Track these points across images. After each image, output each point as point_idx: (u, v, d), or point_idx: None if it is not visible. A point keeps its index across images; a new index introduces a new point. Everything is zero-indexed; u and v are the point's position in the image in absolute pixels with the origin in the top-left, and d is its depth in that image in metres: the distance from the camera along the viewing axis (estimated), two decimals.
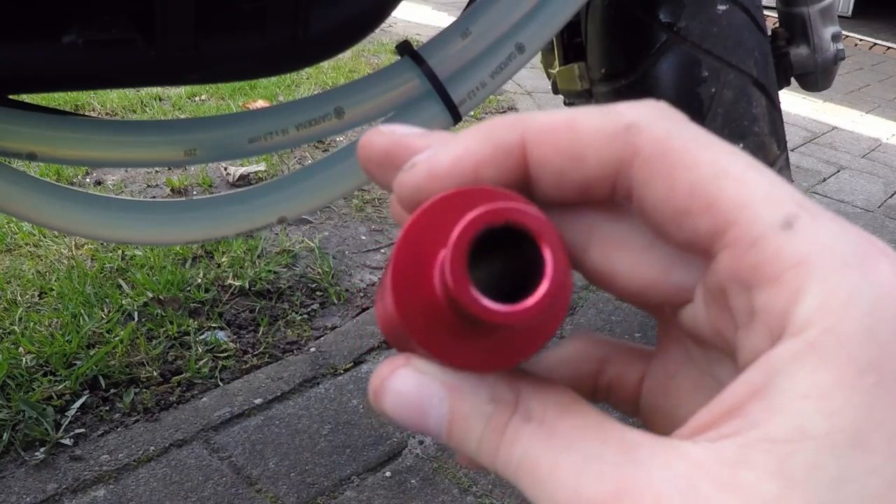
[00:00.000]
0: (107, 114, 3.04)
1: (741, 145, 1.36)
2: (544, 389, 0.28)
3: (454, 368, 0.28)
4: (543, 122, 0.28)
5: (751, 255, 0.24)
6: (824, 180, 3.04)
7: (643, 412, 0.35)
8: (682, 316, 0.30)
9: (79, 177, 2.50)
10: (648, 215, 0.27)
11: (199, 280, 1.94)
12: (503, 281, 0.28)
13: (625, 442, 0.25)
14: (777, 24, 1.74)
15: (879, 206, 2.84)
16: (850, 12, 6.91)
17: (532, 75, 3.80)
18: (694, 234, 0.26)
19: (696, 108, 1.35)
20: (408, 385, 0.28)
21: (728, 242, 0.25)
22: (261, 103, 3.17)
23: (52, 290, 1.86)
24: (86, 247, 2.06)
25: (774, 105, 1.41)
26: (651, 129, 0.27)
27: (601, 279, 0.31)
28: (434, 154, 0.29)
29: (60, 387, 1.57)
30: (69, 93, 3.01)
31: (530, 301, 0.25)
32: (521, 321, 0.25)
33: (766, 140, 1.39)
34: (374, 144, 0.30)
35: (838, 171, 3.16)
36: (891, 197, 2.95)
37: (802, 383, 0.23)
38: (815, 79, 1.73)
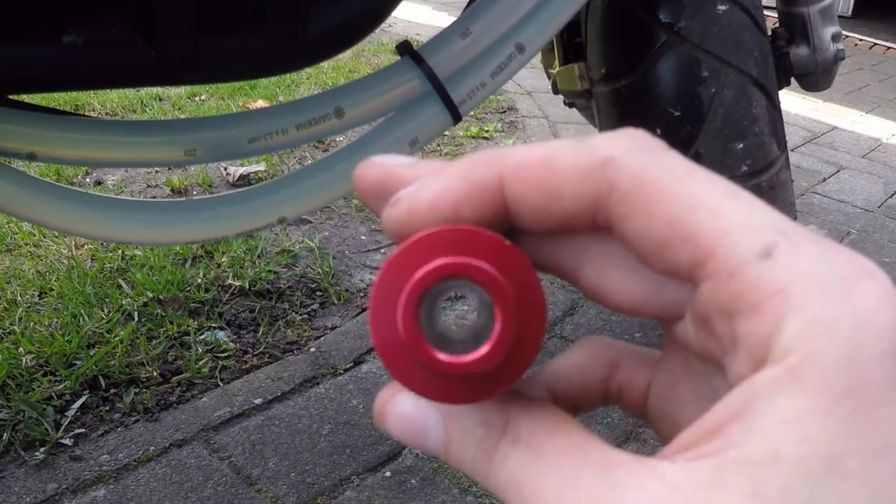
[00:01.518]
0: (107, 114, 3.04)
1: (741, 145, 1.36)
2: (534, 411, 0.29)
3: (430, 401, 0.29)
4: (520, 159, 0.28)
5: (731, 286, 0.25)
6: (824, 180, 3.04)
7: (651, 417, 0.35)
8: (676, 330, 0.30)
9: (79, 177, 2.50)
10: (630, 246, 0.28)
11: (199, 280, 1.94)
12: (483, 309, 0.30)
13: (605, 462, 0.26)
14: (777, 24, 1.74)
15: (879, 206, 2.83)
16: (850, 12, 6.91)
17: (532, 75, 3.80)
18: (675, 264, 0.27)
19: (696, 108, 1.35)
20: (407, 408, 0.30)
21: (708, 273, 0.25)
22: (261, 103, 3.17)
23: (52, 290, 1.86)
24: (86, 247, 2.06)
25: (774, 105, 1.41)
26: (627, 162, 0.27)
27: (596, 296, 0.32)
28: (416, 191, 0.29)
29: (60, 387, 1.57)
30: (69, 93, 3.01)
31: (476, 355, 0.27)
32: (468, 373, 0.27)
33: (766, 140, 1.39)
34: (367, 176, 0.31)
35: (838, 171, 3.16)
36: (891, 197, 2.95)
37: (780, 408, 0.23)
38: (816, 79, 1.73)
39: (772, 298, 0.24)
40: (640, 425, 1.59)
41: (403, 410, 0.30)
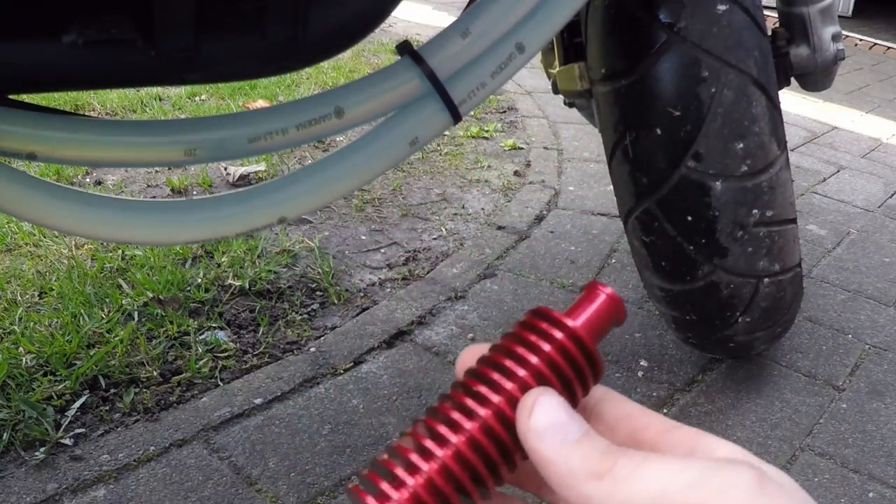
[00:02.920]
0: (107, 114, 3.04)
1: (741, 145, 1.36)
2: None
3: None
4: None
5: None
6: (824, 180, 3.04)
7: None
8: None
9: (79, 177, 2.51)
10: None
11: (199, 280, 1.94)
12: None
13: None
14: (777, 24, 1.74)
15: (879, 206, 2.83)
16: (850, 12, 6.91)
17: (532, 75, 3.80)
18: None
19: (695, 107, 1.35)
20: (559, 409, 0.41)
21: None
22: (261, 103, 3.17)
23: (52, 289, 1.86)
24: (86, 247, 2.06)
25: (774, 105, 1.41)
26: None
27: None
28: None
29: (60, 387, 1.57)
30: (69, 93, 3.01)
31: None
32: None
33: (765, 140, 1.39)
34: None
35: (838, 171, 3.16)
36: (891, 197, 2.95)
37: None
38: (815, 79, 1.73)
39: None
40: None
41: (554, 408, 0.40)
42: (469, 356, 0.46)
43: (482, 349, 0.45)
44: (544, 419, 0.39)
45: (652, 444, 0.42)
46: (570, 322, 0.42)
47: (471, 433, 0.40)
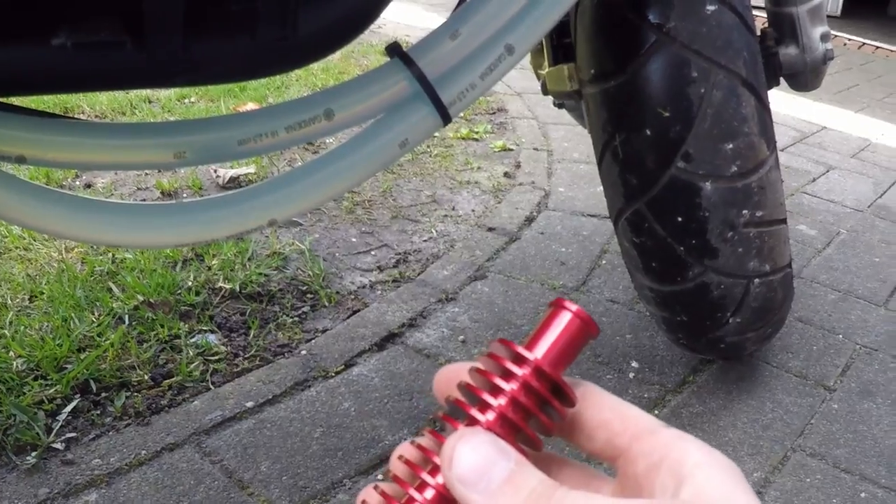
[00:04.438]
0: (96, 116, 3.03)
1: (731, 146, 1.36)
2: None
3: None
4: None
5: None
6: (814, 180, 3.05)
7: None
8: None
9: (68, 180, 2.50)
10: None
11: (190, 283, 1.93)
12: None
13: None
14: (766, 24, 1.74)
15: (869, 206, 2.84)
16: (839, 12, 6.93)
17: (522, 76, 3.80)
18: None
19: (685, 108, 1.35)
20: (484, 446, 0.41)
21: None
22: (251, 106, 3.17)
23: (43, 293, 1.86)
24: (76, 250, 2.05)
25: (764, 105, 1.41)
26: None
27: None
28: None
29: (51, 391, 1.57)
30: (58, 95, 3.00)
31: None
32: None
33: (755, 140, 1.39)
34: None
35: (828, 171, 3.16)
36: (880, 196, 2.96)
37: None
38: (805, 79, 1.74)
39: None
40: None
41: (476, 450, 0.39)
42: (444, 379, 0.47)
43: (458, 371, 0.46)
44: (466, 466, 0.39)
45: (625, 452, 0.42)
46: (531, 356, 0.42)
47: (437, 490, 0.42)
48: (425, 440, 0.44)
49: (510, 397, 0.42)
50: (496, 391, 0.42)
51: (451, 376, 0.46)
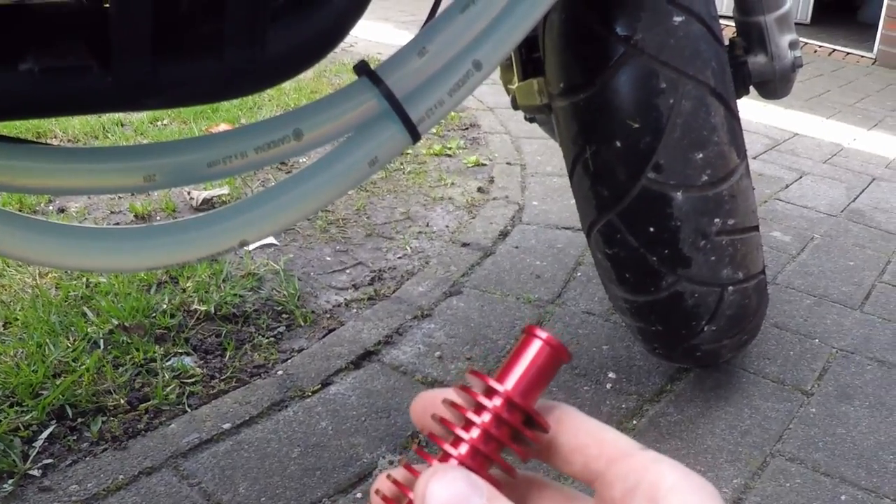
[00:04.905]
0: (69, 140, 3.02)
1: (701, 155, 1.37)
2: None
3: None
4: None
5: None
6: (787, 186, 3.07)
7: None
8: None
9: (41, 205, 2.49)
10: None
11: (165, 306, 1.93)
12: None
13: None
14: (735, 34, 1.75)
15: (842, 211, 2.86)
16: (808, 20, 6.99)
17: (493, 91, 3.81)
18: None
19: (655, 119, 1.36)
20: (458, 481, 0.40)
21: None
22: (223, 127, 3.17)
23: (17, 319, 1.85)
24: (50, 275, 2.04)
25: (733, 114, 1.42)
26: None
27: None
28: None
29: (27, 417, 1.56)
30: (30, 120, 2.99)
31: None
32: None
33: (725, 149, 1.40)
34: None
35: (801, 177, 3.19)
36: (853, 200, 2.98)
37: None
38: (774, 87, 1.75)
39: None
40: None
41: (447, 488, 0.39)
42: (421, 408, 0.47)
43: (434, 398, 0.46)
44: (438, 502, 0.39)
45: (601, 475, 0.42)
46: (502, 388, 0.43)
47: None
48: (401, 474, 0.44)
49: (482, 430, 0.42)
50: (468, 425, 0.43)
51: (428, 404, 0.47)
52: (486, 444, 0.42)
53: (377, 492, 0.45)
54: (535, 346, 0.44)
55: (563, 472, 0.44)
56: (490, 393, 0.43)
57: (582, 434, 0.44)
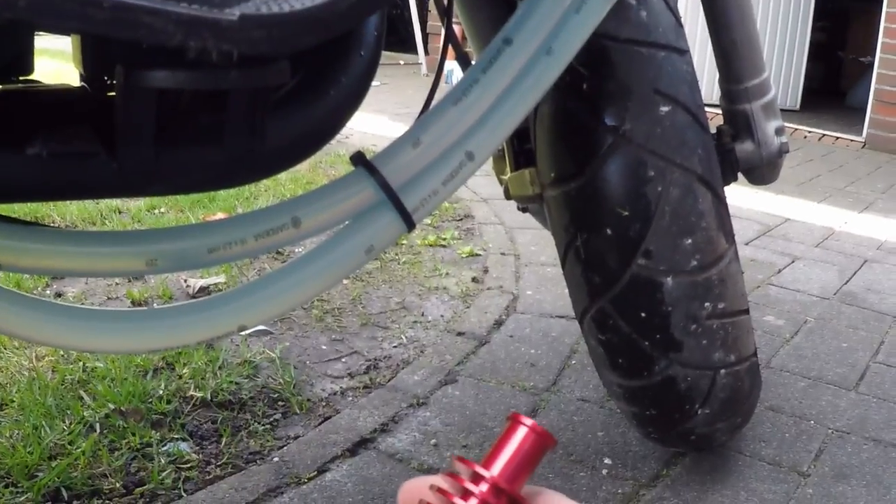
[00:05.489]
0: (66, 226, 3.05)
1: (690, 241, 1.39)
2: None
3: None
4: None
5: None
6: (779, 271, 3.09)
7: None
8: None
9: (38, 289, 2.51)
10: None
11: (161, 391, 1.93)
12: None
13: None
14: (722, 122, 1.79)
15: (835, 294, 2.88)
16: (797, 106, 7.07)
17: (488, 182, 3.85)
18: None
19: (643, 206, 1.38)
20: None
21: None
22: (220, 215, 3.19)
23: (14, 401, 1.85)
24: (46, 358, 2.05)
25: (720, 200, 1.45)
26: None
27: None
28: None
29: (22, 499, 1.56)
30: (29, 204, 3.02)
31: None
32: None
33: (713, 234, 1.42)
34: None
35: (793, 262, 3.21)
36: (846, 283, 3.00)
37: None
38: (762, 173, 1.78)
39: None
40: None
41: None
42: (408, 495, 0.48)
43: (421, 486, 0.47)
44: None
45: None
46: (488, 473, 0.44)
47: None
48: None
49: None
50: None
51: (415, 491, 0.47)
52: None
53: None
54: (520, 433, 0.45)
55: None
56: (477, 479, 0.44)
57: None
